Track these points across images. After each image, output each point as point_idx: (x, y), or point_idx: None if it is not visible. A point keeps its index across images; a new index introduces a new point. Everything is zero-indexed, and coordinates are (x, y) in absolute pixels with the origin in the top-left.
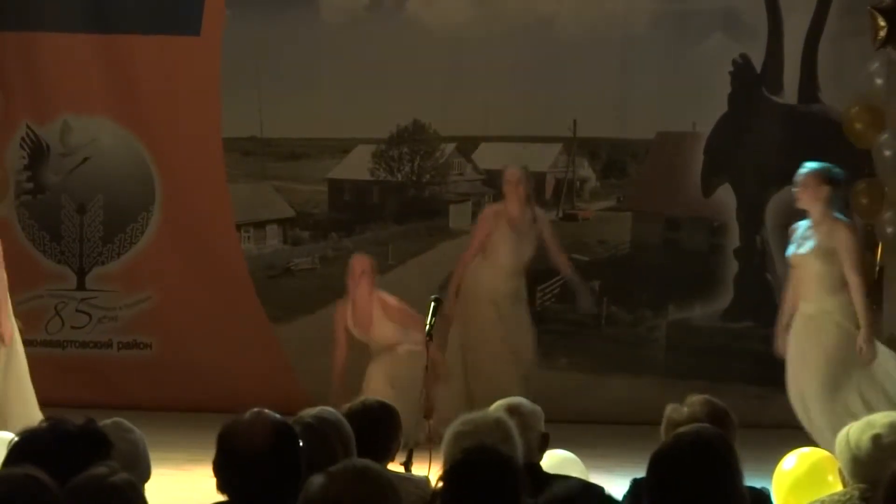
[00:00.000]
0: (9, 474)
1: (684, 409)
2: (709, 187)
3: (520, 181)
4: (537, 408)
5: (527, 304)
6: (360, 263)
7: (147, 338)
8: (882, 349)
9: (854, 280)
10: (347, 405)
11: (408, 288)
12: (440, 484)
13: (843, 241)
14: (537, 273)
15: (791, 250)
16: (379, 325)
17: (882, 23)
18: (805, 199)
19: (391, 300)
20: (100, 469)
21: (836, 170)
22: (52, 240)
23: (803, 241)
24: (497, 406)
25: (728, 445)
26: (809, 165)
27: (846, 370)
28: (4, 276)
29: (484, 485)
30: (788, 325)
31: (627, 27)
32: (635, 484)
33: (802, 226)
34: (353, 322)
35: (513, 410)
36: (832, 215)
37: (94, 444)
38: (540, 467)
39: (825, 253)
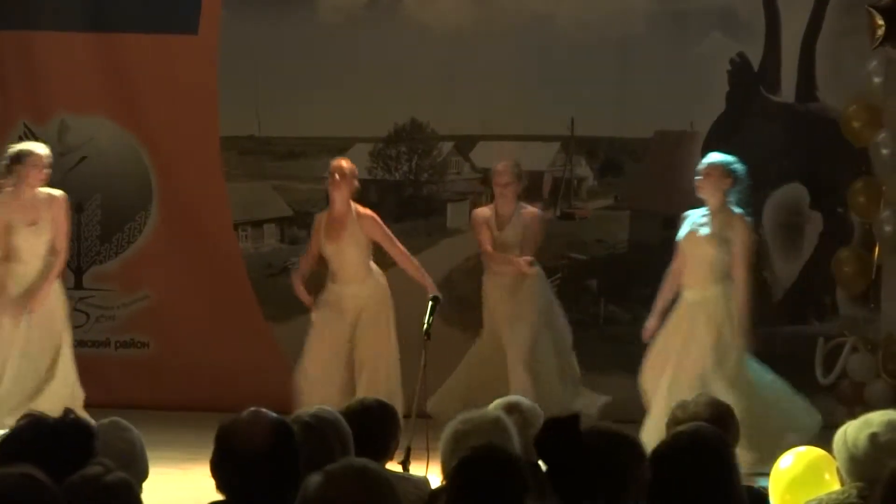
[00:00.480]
0: (6, 474)
1: (689, 407)
2: None
3: (508, 184)
4: (536, 406)
5: (533, 297)
6: (339, 167)
7: (144, 337)
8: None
9: (740, 274)
10: (346, 404)
11: (406, 286)
12: (445, 482)
13: (740, 233)
14: None
15: (682, 234)
16: (350, 235)
17: (880, 21)
18: (706, 189)
19: (369, 211)
20: (95, 468)
21: (740, 165)
22: None
23: (698, 227)
24: (496, 405)
25: (725, 444)
26: (715, 156)
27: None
28: (64, 256)
29: (489, 484)
30: (665, 310)
31: (625, 26)
32: None
33: (694, 214)
34: (327, 230)
35: (511, 409)
36: (730, 207)
37: (76, 434)
38: (540, 468)
39: (720, 241)
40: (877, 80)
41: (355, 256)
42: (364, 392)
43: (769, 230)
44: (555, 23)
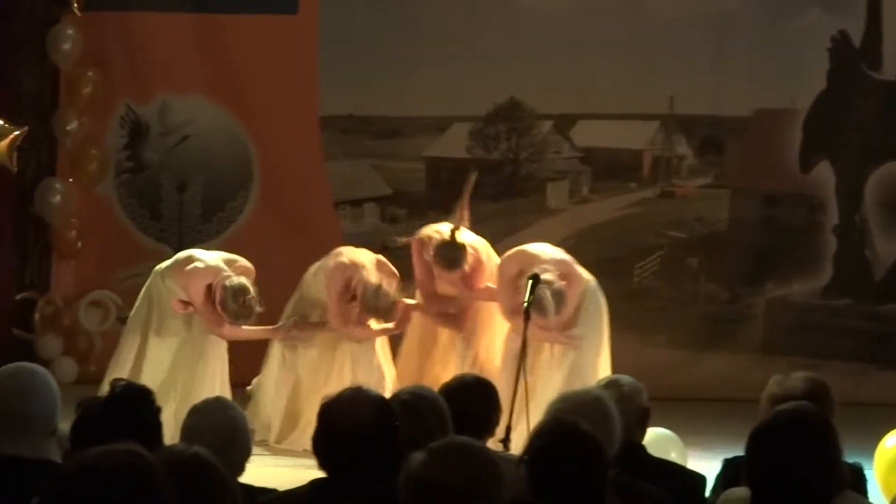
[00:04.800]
0: (112, 451)
1: (785, 383)
2: (807, 164)
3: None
4: (638, 383)
5: None
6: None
7: None
8: None
9: None
10: (444, 383)
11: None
12: (522, 467)
13: None
14: (636, 249)
15: None
16: None
17: None
18: None
19: None
20: (176, 446)
21: None
22: (151, 218)
23: None
24: (598, 382)
25: (827, 422)
26: None
27: None
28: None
29: (566, 465)
30: None
31: (723, 2)
32: (727, 464)
33: None
34: None
35: (612, 385)
36: None
37: (134, 398)
38: (642, 448)
39: None
40: None
41: None
42: None
43: (871, 208)
44: (652, 0)
